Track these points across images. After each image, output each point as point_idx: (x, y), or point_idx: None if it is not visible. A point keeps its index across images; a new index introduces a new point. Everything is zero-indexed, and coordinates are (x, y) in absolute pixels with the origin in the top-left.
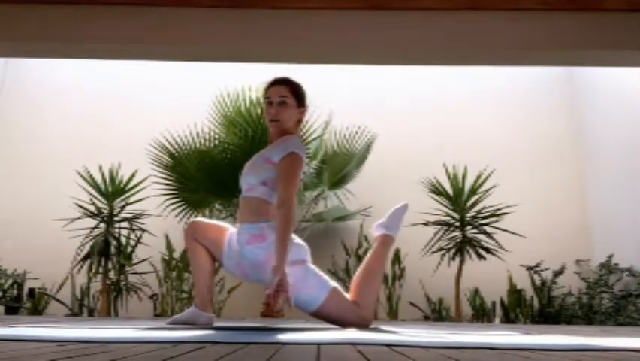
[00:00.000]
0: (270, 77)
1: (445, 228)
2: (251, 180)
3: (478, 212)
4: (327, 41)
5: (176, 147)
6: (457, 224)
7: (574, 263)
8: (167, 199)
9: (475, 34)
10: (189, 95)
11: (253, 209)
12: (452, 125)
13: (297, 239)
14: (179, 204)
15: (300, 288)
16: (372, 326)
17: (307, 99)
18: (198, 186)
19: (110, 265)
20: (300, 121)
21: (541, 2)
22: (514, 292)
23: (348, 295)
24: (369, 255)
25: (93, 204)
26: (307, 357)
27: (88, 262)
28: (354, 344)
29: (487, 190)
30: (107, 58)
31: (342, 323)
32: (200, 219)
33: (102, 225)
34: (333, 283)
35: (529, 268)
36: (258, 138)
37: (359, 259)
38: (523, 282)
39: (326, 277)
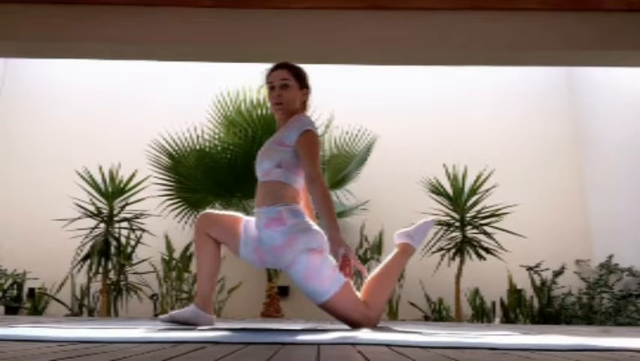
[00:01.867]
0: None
1: (445, 228)
2: (265, 165)
3: (478, 212)
4: (327, 41)
5: (176, 147)
6: (457, 224)
7: (574, 263)
8: (166, 199)
9: (474, 35)
10: (189, 95)
11: (270, 193)
12: (452, 126)
13: (315, 226)
14: (178, 204)
15: (313, 277)
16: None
17: (309, 80)
18: (198, 186)
19: (110, 265)
20: (304, 103)
21: (541, 2)
22: (514, 292)
23: (359, 294)
24: (388, 259)
25: (93, 204)
26: (307, 357)
27: (88, 262)
28: (354, 344)
29: (487, 190)
30: (107, 58)
31: (348, 320)
32: (211, 211)
33: (102, 225)
34: (344, 278)
35: (529, 268)
36: (258, 138)
37: (360, 259)
38: (523, 282)
39: (337, 269)
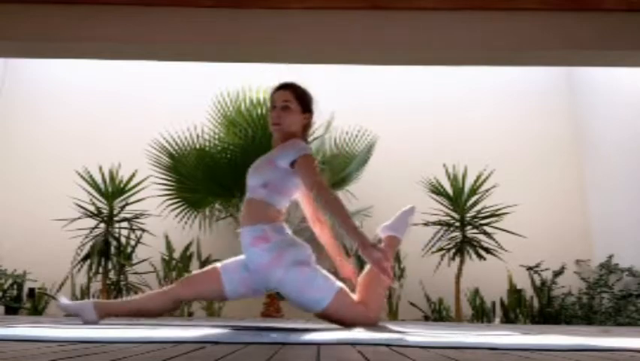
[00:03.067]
0: (276, 82)
1: (445, 228)
2: (254, 181)
3: (478, 212)
4: (327, 41)
5: (176, 146)
6: (457, 224)
7: (574, 263)
8: (167, 199)
9: (474, 35)
10: (189, 95)
11: (253, 212)
12: (452, 126)
13: (299, 240)
14: (179, 204)
15: (306, 289)
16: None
17: (313, 104)
18: (198, 186)
19: (110, 265)
20: (306, 127)
21: (541, 2)
22: (514, 292)
23: (354, 296)
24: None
25: (93, 204)
26: (307, 357)
27: (88, 262)
28: (354, 344)
29: (487, 190)
30: (107, 58)
31: (348, 324)
32: (187, 278)
33: (102, 225)
34: (340, 284)
35: (529, 268)
36: (258, 138)
37: (359, 259)
38: (523, 282)
39: (332, 277)
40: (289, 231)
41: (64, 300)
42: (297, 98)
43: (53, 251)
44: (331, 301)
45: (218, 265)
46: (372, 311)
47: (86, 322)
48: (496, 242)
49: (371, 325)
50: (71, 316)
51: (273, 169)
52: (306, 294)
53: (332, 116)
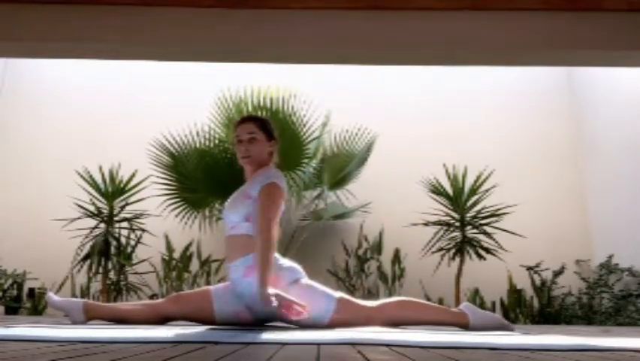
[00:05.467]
0: (238, 118)
1: (445, 228)
2: (233, 217)
3: (478, 212)
4: (327, 41)
5: (177, 146)
6: (457, 224)
7: (574, 263)
8: (167, 199)
9: (475, 34)
10: (190, 94)
11: (241, 245)
12: (452, 126)
13: (286, 263)
14: (179, 204)
15: (308, 305)
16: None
17: (275, 132)
18: (198, 186)
19: (110, 265)
20: (272, 153)
21: (540, 2)
22: (514, 292)
23: (359, 301)
24: (442, 307)
25: (93, 204)
26: (307, 357)
27: (88, 262)
28: (354, 344)
29: (487, 190)
30: (108, 58)
31: (357, 326)
32: (177, 295)
33: (102, 225)
34: (339, 293)
35: (529, 268)
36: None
37: (359, 259)
38: (523, 282)
39: (327, 288)
40: (278, 255)
41: (53, 296)
42: (261, 128)
43: (53, 251)
44: (334, 311)
45: (210, 287)
46: (382, 314)
47: (74, 321)
48: (496, 242)
49: (372, 324)
50: (60, 312)
51: (250, 202)
52: (312, 310)
53: (329, 115)
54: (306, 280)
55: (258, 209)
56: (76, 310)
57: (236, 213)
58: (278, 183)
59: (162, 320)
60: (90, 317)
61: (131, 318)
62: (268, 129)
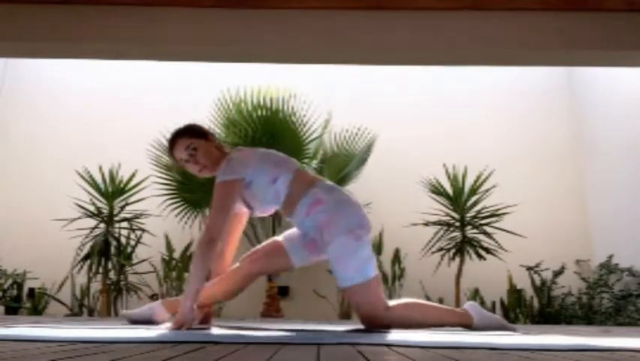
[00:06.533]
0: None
1: (445, 228)
2: (257, 204)
3: (478, 212)
4: (327, 41)
5: None
6: (457, 224)
7: (574, 263)
8: (167, 199)
9: (475, 34)
10: (189, 94)
11: (290, 203)
12: (452, 126)
13: (353, 198)
14: (179, 204)
15: (341, 262)
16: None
17: (203, 128)
18: (198, 186)
19: (110, 265)
20: (219, 147)
21: (541, 2)
22: (514, 292)
23: (392, 300)
24: (443, 306)
25: (93, 204)
26: (307, 357)
27: (88, 262)
28: (354, 344)
29: (487, 190)
30: (107, 58)
31: (359, 313)
32: (250, 253)
33: (102, 225)
34: (374, 273)
35: (529, 268)
36: (258, 139)
37: None
38: (523, 282)
39: (373, 263)
40: (339, 187)
41: (128, 311)
42: (192, 136)
43: (53, 251)
44: (355, 285)
45: (278, 238)
46: (389, 316)
47: (163, 321)
48: (496, 242)
49: (377, 326)
50: (139, 322)
51: (244, 185)
52: (339, 267)
53: (330, 115)
54: (362, 236)
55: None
56: (159, 310)
57: (255, 209)
58: (224, 178)
59: (248, 283)
60: (172, 311)
61: (219, 293)
62: (198, 131)
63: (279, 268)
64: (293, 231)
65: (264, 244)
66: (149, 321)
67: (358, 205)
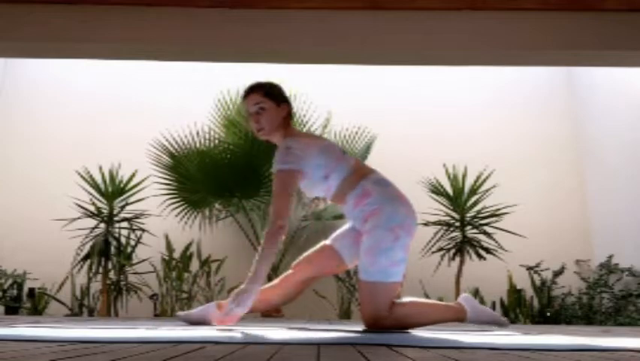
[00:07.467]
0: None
1: (444, 228)
2: (312, 192)
3: (478, 212)
4: (327, 41)
5: (177, 146)
6: (457, 224)
7: (574, 263)
8: (167, 199)
9: (475, 35)
10: (189, 95)
11: (340, 195)
12: (452, 126)
13: (404, 196)
14: (179, 204)
15: (370, 254)
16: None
17: (285, 93)
18: (198, 186)
19: (110, 265)
20: (287, 117)
21: (541, 2)
22: (514, 292)
23: (403, 298)
24: (442, 302)
25: (93, 204)
26: (307, 357)
27: (88, 262)
28: (354, 344)
29: (487, 190)
30: (107, 58)
31: (363, 309)
32: (302, 259)
33: (102, 225)
34: (399, 279)
35: (529, 268)
36: (257, 139)
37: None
38: (523, 282)
39: (401, 268)
40: (389, 181)
41: (184, 312)
42: (267, 95)
43: (53, 251)
44: (373, 282)
45: (327, 242)
46: (391, 316)
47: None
48: (496, 242)
49: (376, 326)
50: (198, 323)
51: (303, 175)
52: (366, 258)
53: (330, 115)
54: (400, 236)
55: (272, 198)
56: (213, 311)
57: (307, 191)
58: (282, 168)
59: (305, 286)
60: None
61: (272, 298)
62: (275, 94)
63: (332, 270)
64: (339, 232)
65: (313, 249)
66: (204, 322)
67: (408, 206)
